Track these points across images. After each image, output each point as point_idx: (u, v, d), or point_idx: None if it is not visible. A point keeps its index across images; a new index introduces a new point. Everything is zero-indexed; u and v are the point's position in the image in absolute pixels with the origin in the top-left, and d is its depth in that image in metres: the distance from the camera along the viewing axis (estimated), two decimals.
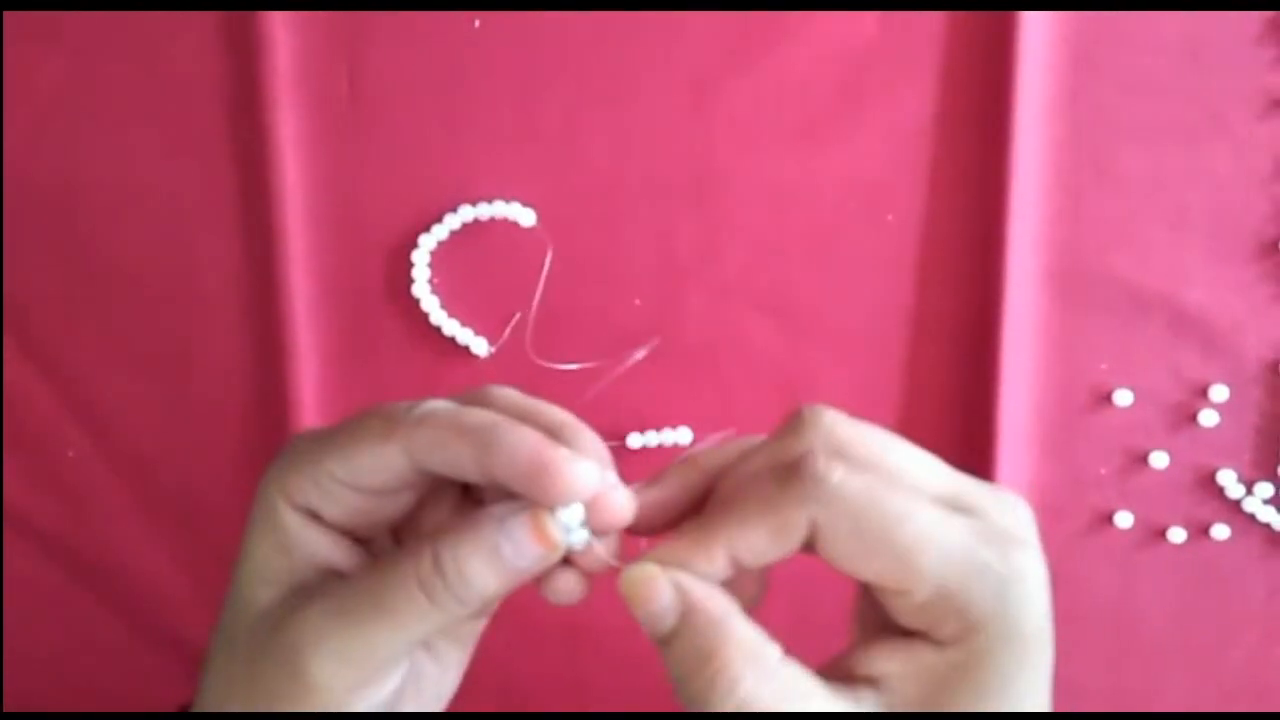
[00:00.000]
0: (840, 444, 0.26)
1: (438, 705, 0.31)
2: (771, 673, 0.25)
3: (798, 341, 0.47)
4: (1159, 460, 0.47)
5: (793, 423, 0.27)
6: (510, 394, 0.29)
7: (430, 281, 0.47)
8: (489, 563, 0.26)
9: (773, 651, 0.26)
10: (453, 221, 0.46)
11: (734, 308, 0.47)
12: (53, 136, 0.47)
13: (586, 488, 0.26)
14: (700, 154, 0.46)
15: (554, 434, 0.27)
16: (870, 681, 0.27)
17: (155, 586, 0.49)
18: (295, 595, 0.28)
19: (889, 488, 0.26)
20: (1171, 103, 0.45)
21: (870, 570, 0.26)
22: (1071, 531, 0.48)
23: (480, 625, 0.32)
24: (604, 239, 0.47)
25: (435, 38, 0.46)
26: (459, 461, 0.27)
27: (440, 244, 0.47)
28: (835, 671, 0.27)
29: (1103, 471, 0.47)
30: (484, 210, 0.46)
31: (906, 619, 0.26)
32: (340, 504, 0.28)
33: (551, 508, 0.26)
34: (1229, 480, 0.47)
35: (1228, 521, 0.47)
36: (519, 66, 0.46)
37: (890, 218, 0.47)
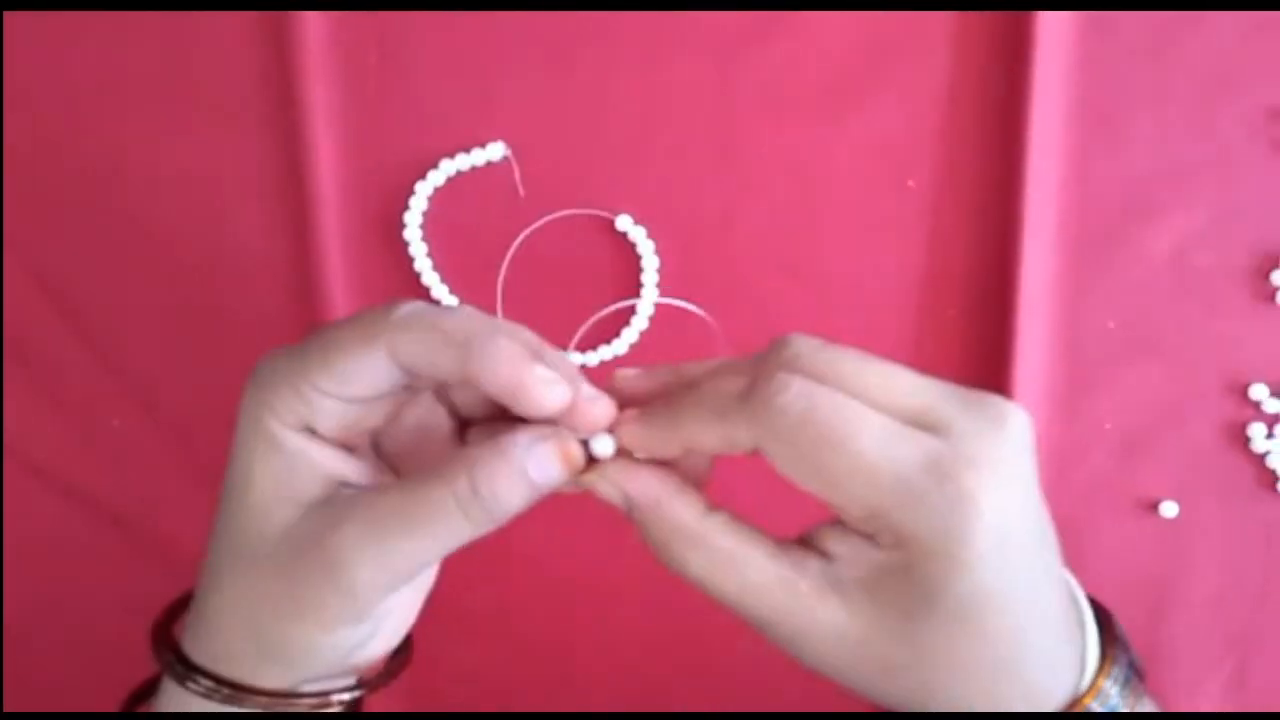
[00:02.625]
0: (808, 367, 0.28)
1: (401, 633, 0.33)
2: (705, 545, 0.29)
3: (818, 305, 0.48)
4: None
5: (770, 346, 0.29)
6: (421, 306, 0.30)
7: None
8: (519, 485, 0.28)
9: (711, 524, 0.29)
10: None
11: (756, 272, 0.48)
12: (90, 113, 0.48)
13: (558, 405, 0.29)
14: (723, 119, 0.47)
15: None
16: (823, 554, 0.29)
17: (199, 547, 0.50)
18: (318, 511, 0.29)
19: (834, 412, 0.26)
20: (1187, 66, 0.46)
21: (808, 488, 0.27)
22: (1084, 488, 0.48)
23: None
24: (629, 205, 0.47)
25: (463, 14, 0.47)
26: (441, 366, 0.29)
27: None
28: (802, 538, 0.29)
29: (1108, 427, 0.48)
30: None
31: (849, 522, 0.28)
32: (330, 416, 0.29)
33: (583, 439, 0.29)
34: (1258, 433, 0.47)
35: (1251, 477, 0.47)
36: (547, 35, 0.47)
37: (911, 183, 0.47)
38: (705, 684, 0.50)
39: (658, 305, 0.48)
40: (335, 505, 0.29)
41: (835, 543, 0.28)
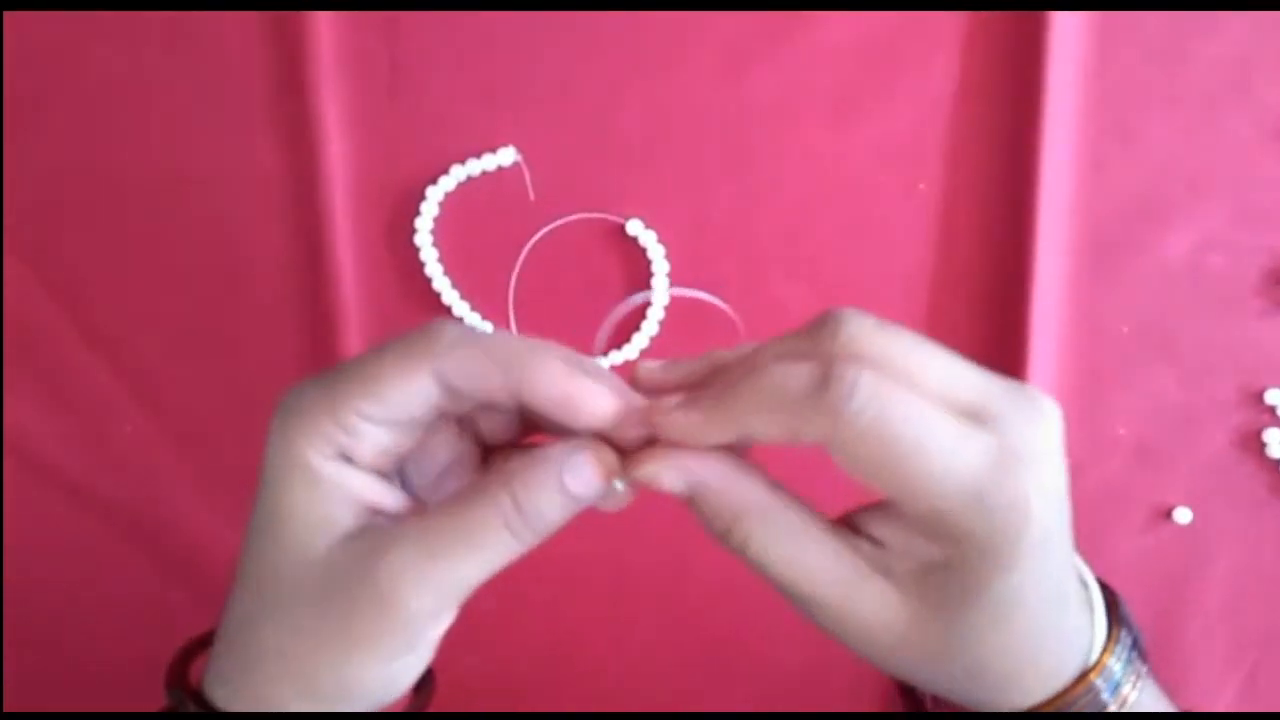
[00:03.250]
0: (866, 352, 0.27)
1: (427, 659, 0.33)
2: (774, 521, 0.29)
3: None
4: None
5: (822, 321, 0.28)
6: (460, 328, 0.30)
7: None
8: (560, 499, 0.29)
9: (779, 499, 0.29)
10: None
11: (766, 275, 0.48)
12: (98, 113, 0.48)
13: (608, 415, 0.29)
14: (734, 123, 0.47)
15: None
16: (875, 540, 0.29)
17: (214, 554, 0.50)
18: (356, 542, 0.29)
19: (906, 420, 0.26)
20: (1201, 68, 0.46)
21: (873, 484, 0.27)
22: (1098, 494, 0.48)
23: None
24: (639, 209, 0.47)
25: (475, 16, 0.47)
26: (490, 384, 0.29)
27: None
28: (848, 520, 0.30)
29: (1122, 432, 0.47)
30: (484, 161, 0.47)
31: (907, 516, 0.28)
32: (370, 441, 0.29)
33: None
34: (1273, 439, 0.46)
35: (1266, 484, 0.47)
36: (557, 40, 0.47)
37: (922, 186, 0.47)
38: (712, 684, 0.50)
39: (668, 309, 0.48)
40: (373, 535, 0.29)
41: (884, 530, 0.29)
